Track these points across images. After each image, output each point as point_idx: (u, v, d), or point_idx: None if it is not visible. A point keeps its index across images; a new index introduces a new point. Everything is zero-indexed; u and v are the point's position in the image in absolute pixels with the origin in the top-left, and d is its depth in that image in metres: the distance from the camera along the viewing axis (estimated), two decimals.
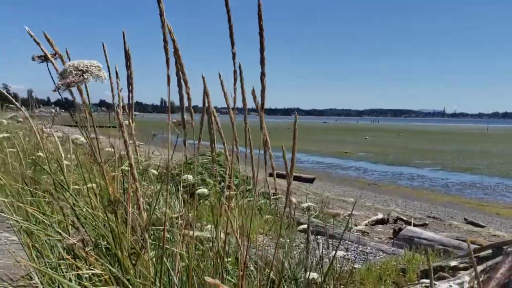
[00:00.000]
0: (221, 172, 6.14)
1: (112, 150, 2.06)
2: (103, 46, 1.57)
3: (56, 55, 1.44)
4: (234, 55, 1.38)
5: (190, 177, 2.30)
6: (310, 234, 2.41)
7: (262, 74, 1.40)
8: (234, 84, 1.43)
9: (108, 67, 1.59)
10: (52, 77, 1.35)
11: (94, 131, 1.56)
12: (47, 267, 1.42)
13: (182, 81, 1.16)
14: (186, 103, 1.44)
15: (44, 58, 1.41)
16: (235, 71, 1.41)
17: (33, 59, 1.41)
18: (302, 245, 4.44)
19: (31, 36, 1.42)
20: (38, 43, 1.42)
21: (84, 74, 1.07)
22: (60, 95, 1.31)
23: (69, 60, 1.53)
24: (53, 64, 1.42)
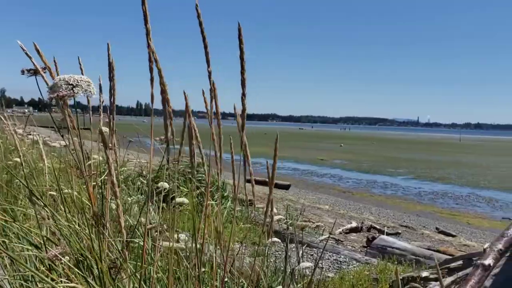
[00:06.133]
0: (200, 178, 6.13)
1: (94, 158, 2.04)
2: (79, 60, 1.58)
3: (46, 69, 1.44)
4: (210, 73, 1.40)
5: (166, 184, 2.29)
6: (288, 244, 2.42)
7: (243, 95, 1.42)
8: (211, 101, 1.46)
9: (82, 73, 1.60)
10: (40, 90, 1.36)
11: (71, 135, 1.55)
12: (20, 278, 1.41)
13: (165, 101, 1.17)
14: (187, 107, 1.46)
15: (34, 72, 1.41)
16: (211, 89, 1.43)
17: (22, 72, 1.41)
18: (277, 253, 4.46)
19: (23, 50, 1.41)
20: (30, 57, 1.42)
21: (74, 88, 1.11)
22: (43, 98, 1.31)
23: (56, 69, 1.53)
24: (43, 77, 1.42)
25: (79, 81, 1.12)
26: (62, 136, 1.56)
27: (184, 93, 1.45)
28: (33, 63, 1.41)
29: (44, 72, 1.43)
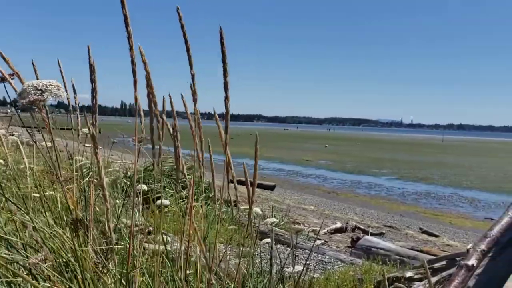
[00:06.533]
0: (185, 180, 6.09)
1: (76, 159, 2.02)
2: (58, 62, 1.56)
3: (14, 75, 1.44)
4: (193, 76, 1.40)
5: (145, 187, 2.26)
6: (273, 247, 2.42)
7: (226, 98, 1.41)
8: (195, 105, 1.45)
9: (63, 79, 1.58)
10: (8, 96, 1.36)
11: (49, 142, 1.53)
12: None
13: (152, 103, 1.16)
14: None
15: (1, 80, 1.41)
16: (194, 92, 1.43)
17: None
18: (263, 254, 4.46)
19: None
20: None
21: (43, 94, 1.10)
22: (8, 96, 1.30)
23: (35, 72, 1.51)
24: (11, 84, 1.42)
25: (48, 86, 1.12)
26: (35, 142, 1.54)
27: (170, 96, 1.44)
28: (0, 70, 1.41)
29: (12, 79, 1.43)
